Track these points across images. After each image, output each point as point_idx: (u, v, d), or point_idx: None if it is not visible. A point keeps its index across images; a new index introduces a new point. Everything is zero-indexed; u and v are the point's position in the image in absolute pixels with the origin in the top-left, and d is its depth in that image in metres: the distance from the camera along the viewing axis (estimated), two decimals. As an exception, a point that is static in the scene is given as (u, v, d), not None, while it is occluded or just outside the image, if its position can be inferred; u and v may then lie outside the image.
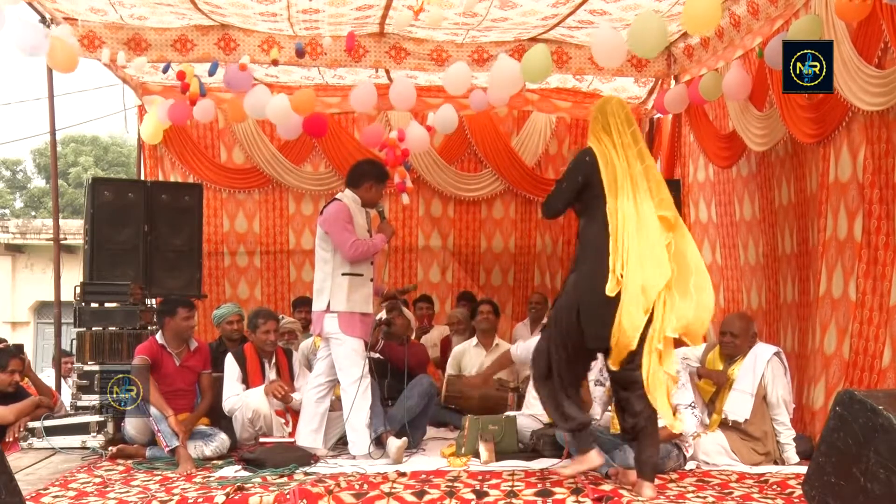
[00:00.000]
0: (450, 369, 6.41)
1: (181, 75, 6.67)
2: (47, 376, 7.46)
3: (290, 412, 5.51)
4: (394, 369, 5.66)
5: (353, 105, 6.96)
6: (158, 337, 5.34)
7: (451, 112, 7.23)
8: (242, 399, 5.38)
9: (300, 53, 6.61)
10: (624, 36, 5.46)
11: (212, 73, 6.64)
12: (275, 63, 6.77)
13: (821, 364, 5.13)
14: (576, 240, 4.25)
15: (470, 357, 6.37)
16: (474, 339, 6.46)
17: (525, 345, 5.75)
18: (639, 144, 4.06)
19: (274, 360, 5.69)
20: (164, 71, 6.90)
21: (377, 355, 5.58)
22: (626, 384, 3.97)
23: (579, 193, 4.05)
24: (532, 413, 5.44)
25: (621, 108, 4.13)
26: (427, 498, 3.87)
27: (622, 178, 3.94)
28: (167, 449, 4.83)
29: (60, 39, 5.76)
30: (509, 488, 4.03)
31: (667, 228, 3.96)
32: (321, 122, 7.24)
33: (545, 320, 4.31)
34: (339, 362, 4.96)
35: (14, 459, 4.81)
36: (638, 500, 3.80)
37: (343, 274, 4.95)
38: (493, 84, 6.23)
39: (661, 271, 3.85)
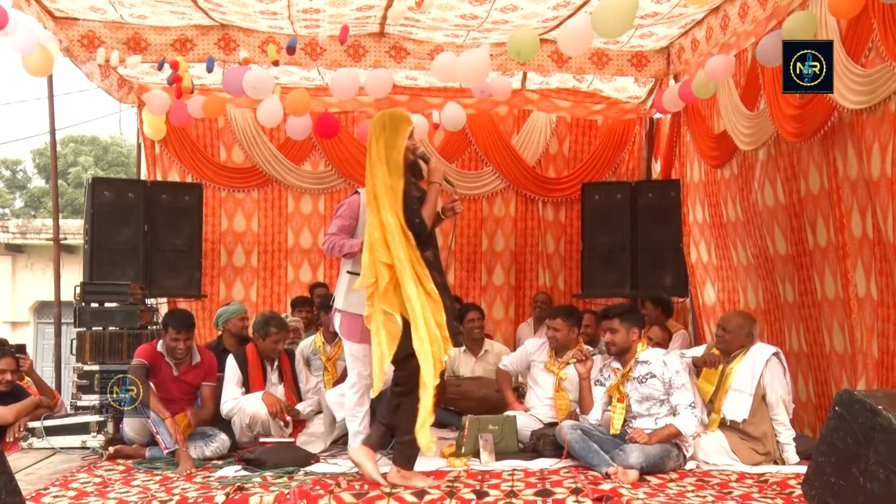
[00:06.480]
0: None
1: (175, 65, 6.60)
2: (48, 376, 7.46)
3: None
4: None
5: (332, 92, 6.78)
6: (159, 345, 5.30)
7: (458, 109, 7.21)
8: (240, 404, 5.36)
9: (291, 50, 6.54)
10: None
11: (209, 69, 6.61)
12: (275, 64, 6.76)
13: (848, 363, 5.08)
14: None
15: (460, 364, 6.33)
16: (462, 346, 6.29)
17: (511, 357, 5.83)
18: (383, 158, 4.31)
19: (276, 363, 5.67)
20: (160, 68, 6.86)
21: None
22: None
23: None
24: (532, 413, 5.46)
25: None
26: (427, 498, 3.87)
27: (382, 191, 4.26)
28: (166, 451, 4.83)
29: (40, 45, 5.65)
30: (509, 488, 4.03)
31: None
32: (332, 122, 7.20)
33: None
34: (346, 362, 4.88)
35: (14, 459, 4.81)
36: (638, 500, 3.81)
37: (347, 272, 4.82)
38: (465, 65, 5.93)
39: None
